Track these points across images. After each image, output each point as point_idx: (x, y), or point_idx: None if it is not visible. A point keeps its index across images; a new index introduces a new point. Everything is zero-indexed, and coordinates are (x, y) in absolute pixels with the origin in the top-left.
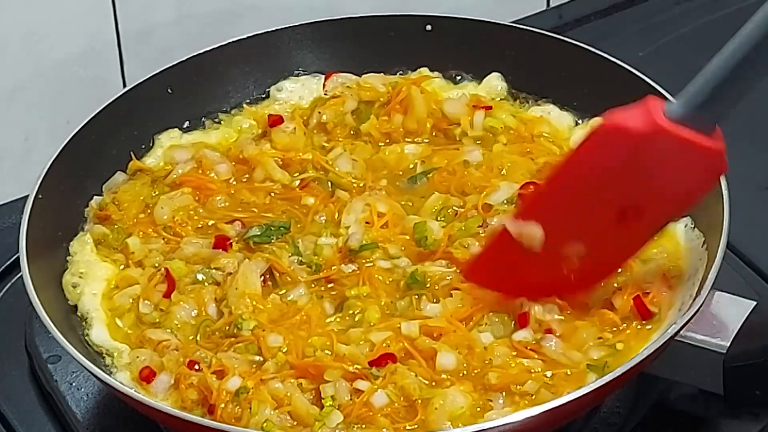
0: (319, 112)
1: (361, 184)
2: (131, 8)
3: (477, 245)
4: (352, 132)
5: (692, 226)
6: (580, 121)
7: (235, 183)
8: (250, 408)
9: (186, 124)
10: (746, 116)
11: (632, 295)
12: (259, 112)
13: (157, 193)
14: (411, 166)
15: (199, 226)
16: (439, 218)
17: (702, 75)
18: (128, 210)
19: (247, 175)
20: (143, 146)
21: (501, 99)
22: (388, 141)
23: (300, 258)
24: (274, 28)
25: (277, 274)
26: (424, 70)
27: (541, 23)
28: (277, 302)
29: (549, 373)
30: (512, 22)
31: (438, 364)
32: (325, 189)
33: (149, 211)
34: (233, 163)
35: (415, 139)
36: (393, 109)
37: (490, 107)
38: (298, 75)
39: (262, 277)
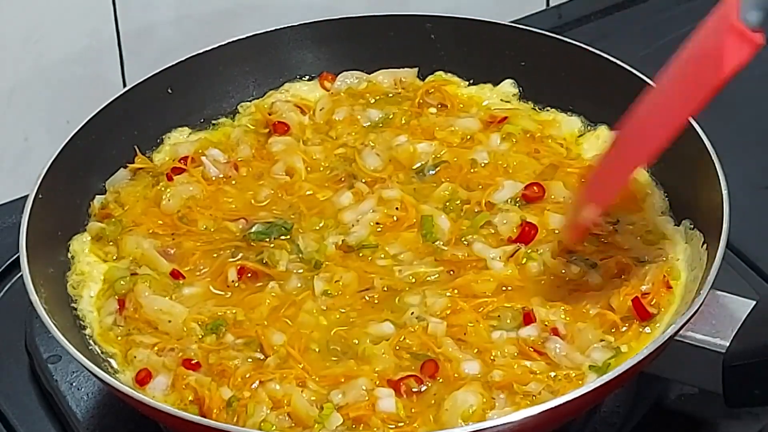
0: (322, 108)
1: (384, 176)
2: (131, 8)
3: (480, 243)
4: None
5: (692, 226)
6: (585, 124)
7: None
8: (246, 410)
9: (186, 124)
10: (746, 116)
11: (630, 295)
12: (262, 111)
13: (160, 185)
14: (422, 162)
15: (203, 228)
16: (447, 209)
17: None
18: (132, 209)
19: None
20: (143, 146)
21: (512, 98)
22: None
23: (301, 255)
24: (274, 28)
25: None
26: (441, 74)
27: (540, 23)
28: (276, 291)
29: (552, 374)
30: (512, 22)
31: (463, 371)
32: (348, 180)
33: (155, 207)
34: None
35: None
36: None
37: (506, 118)
38: (300, 78)
39: (250, 273)
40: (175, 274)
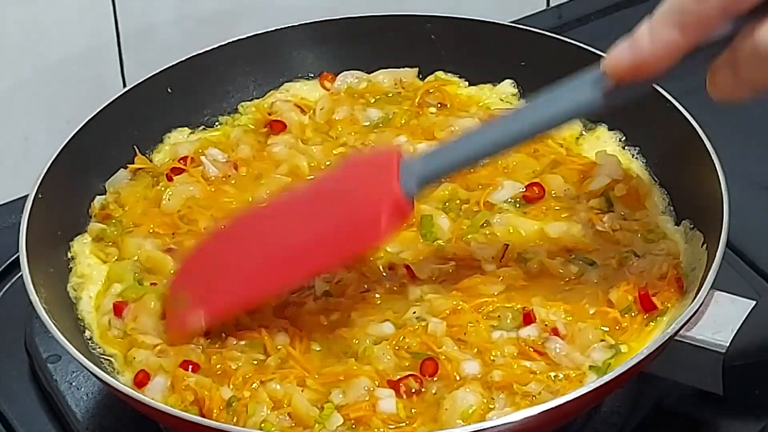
0: (322, 108)
1: None
2: (131, 8)
3: (476, 243)
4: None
5: (692, 226)
6: (584, 124)
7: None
8: (246, 411)
9: (186, 123)
10: (746, 116)
11: (627, 291)
12: (262, 111)
13: (160, 185)
14: None
15: (204, 228)
16: (446, 209)
17: (444, 161)
18: (133, 209)
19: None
20: (143, 146)
21: (512, 98)
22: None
23: None
24: (274, 28)
25: None
26: (440, 74)
27: (540, 23)
28: None
29: (552, 374)
30: (512, 22)
31: (463, 371)
32: None
33: (155, 207)
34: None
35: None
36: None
37: None
38: (300, 78)
39: None
40: None
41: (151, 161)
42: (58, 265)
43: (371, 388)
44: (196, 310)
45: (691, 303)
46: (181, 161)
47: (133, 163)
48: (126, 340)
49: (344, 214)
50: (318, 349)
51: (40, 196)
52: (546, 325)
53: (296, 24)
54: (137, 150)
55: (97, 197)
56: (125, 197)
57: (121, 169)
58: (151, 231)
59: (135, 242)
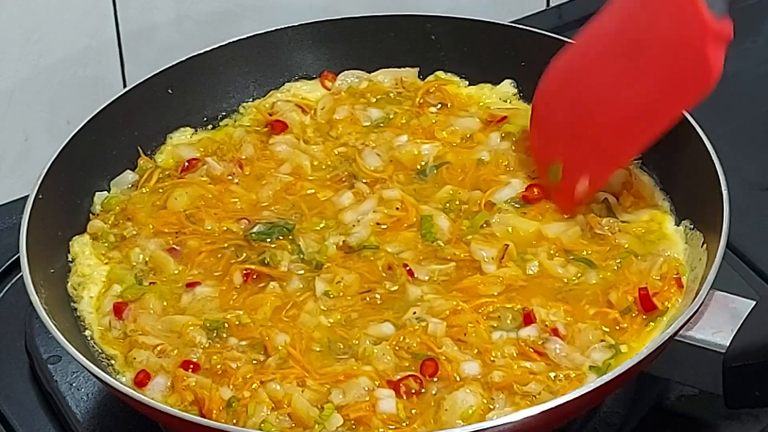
0: (323, 108)
1: (384, 177)
2: (131, 8)
3: (475, 243)
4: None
5: (692, 226)
6: None
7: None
8: (247, 411)
9: (186, 124)
10: (746, 116)
11: (627, 292)
12: (263, 111)
13: (167, 184)
14: (423, 163)
15: (208, 227)
16: (447, 209)
17: None
18: (137, 215)
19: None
20: (144, 146)
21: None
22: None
23: (302, 256)
24: (274, 28)
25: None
26: (440, 74)
27: (541, 23)
28: (278, 291)
29: (552, 374)
30: (512, 22)
31: (463, 372)
32: (349, 180)
33: (161, 209)
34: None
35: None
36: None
37: (505, 117)
38: (300, 79)
39: (255, 275)
40: (191, 284)
41: (154, 162)
42: (58, 265)
43: (371, 389)
44: (576, 177)
45: (691, 303)
46: (187, 163)
47: (133, 162)
48: (126, 341)
49: (663, 65)
50: (318, 349)
51: (40, 196)
52: (546, 325)
53: (296, 24)
54: (140, 151)
55: (97, 194)
56: (133, 209)
57: (127, 170)
58: (152, 229)
59: (138, 246)
